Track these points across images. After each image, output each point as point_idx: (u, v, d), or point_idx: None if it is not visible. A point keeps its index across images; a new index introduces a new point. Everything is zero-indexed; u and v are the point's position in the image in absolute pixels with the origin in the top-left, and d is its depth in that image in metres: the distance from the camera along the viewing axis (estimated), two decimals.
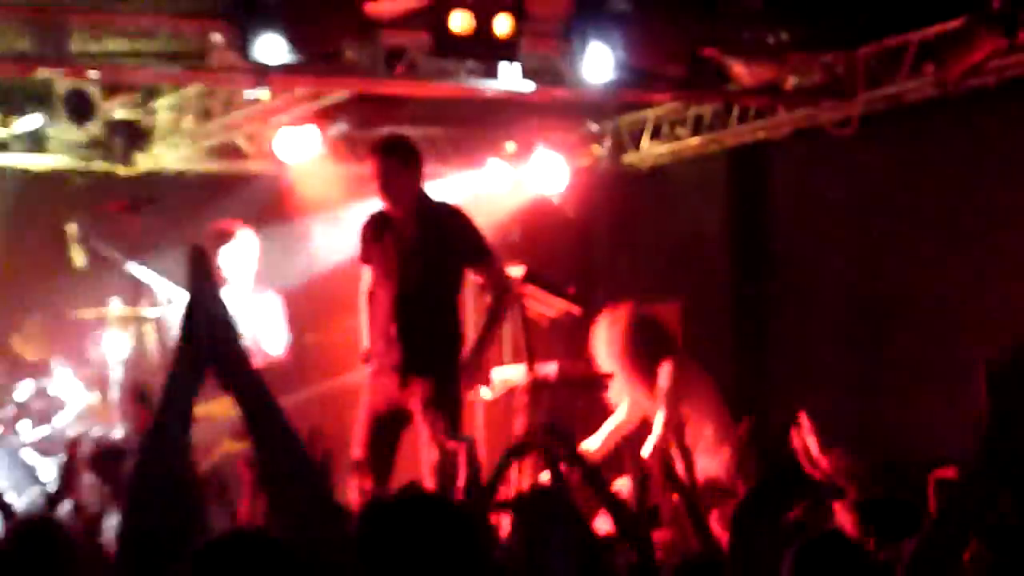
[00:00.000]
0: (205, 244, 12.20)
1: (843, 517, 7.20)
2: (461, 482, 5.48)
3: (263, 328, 12.18)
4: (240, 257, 12.24)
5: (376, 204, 10.97)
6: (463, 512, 4.47)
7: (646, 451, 10.74)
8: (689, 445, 11.19)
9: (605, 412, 11.75)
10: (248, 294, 12.29)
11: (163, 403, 4.22)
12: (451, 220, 10.86)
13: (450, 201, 11.39)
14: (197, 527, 4.59)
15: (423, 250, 10.66)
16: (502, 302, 11.10)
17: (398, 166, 10.78)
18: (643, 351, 11.65)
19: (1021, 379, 4.14)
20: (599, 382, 11.93)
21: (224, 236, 12.17)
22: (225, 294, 11.96)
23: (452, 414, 10.48)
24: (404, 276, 10.65)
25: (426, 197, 10.90)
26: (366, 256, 10.93)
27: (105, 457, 7.26)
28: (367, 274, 10.91)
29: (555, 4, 11.12)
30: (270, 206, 13.28)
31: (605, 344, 11.81)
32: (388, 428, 10.63)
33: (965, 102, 11.88)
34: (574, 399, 12.26)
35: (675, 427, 10.93)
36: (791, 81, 12.66)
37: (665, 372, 11.19)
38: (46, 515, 5.80)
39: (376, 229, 10.86)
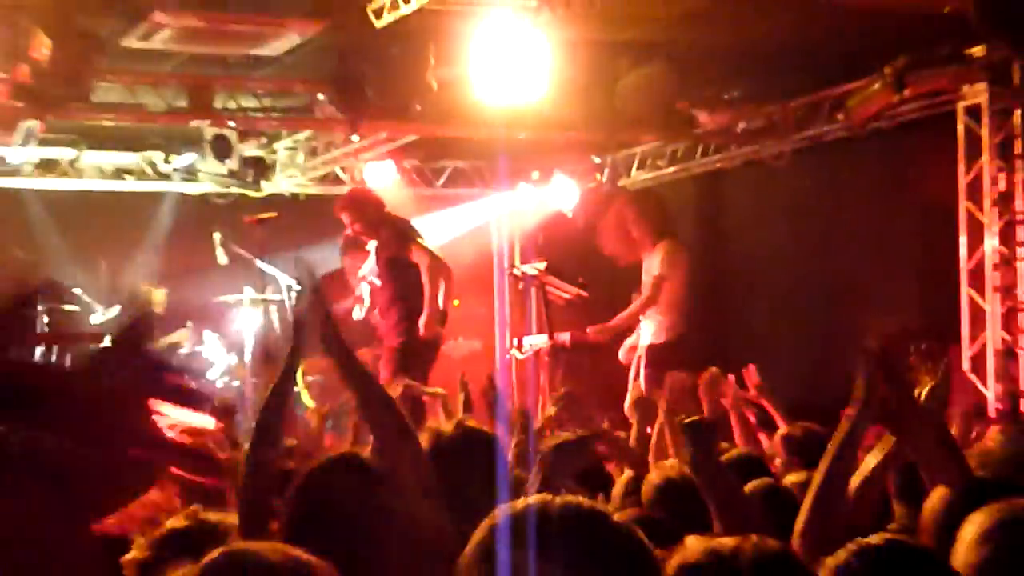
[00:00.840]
0: (341, 247, 12.33)
1: (775, 446, 7.09)
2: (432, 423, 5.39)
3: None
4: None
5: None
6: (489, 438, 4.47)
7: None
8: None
9: (605, 368, 11.76)
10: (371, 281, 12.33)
11: (286, 364, 4.20)
12: (388, 231, 11.19)
13: (394, 215, 11.66)
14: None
15: (379, 259, 11.11)
16: (432, 273, 11.07)
17: (354, 217, 11.35)
18: (642, 222, 11.75)
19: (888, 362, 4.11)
20: (599, 347, 11.97)
21: (354, 242, 12.20)
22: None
23: (408, 365, 10.63)
24: (377, 278, 11.19)
25: (381, 223, 11.25)
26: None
27: (221, 413, 7.24)
28: None
29: None
30: None
31: (611, 223, 11.97)
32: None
33: (867, 140, 11.84)
34: (582, 359, 12.25)
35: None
36: (741, 125, 12.67)
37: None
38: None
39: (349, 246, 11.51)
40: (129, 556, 3.55)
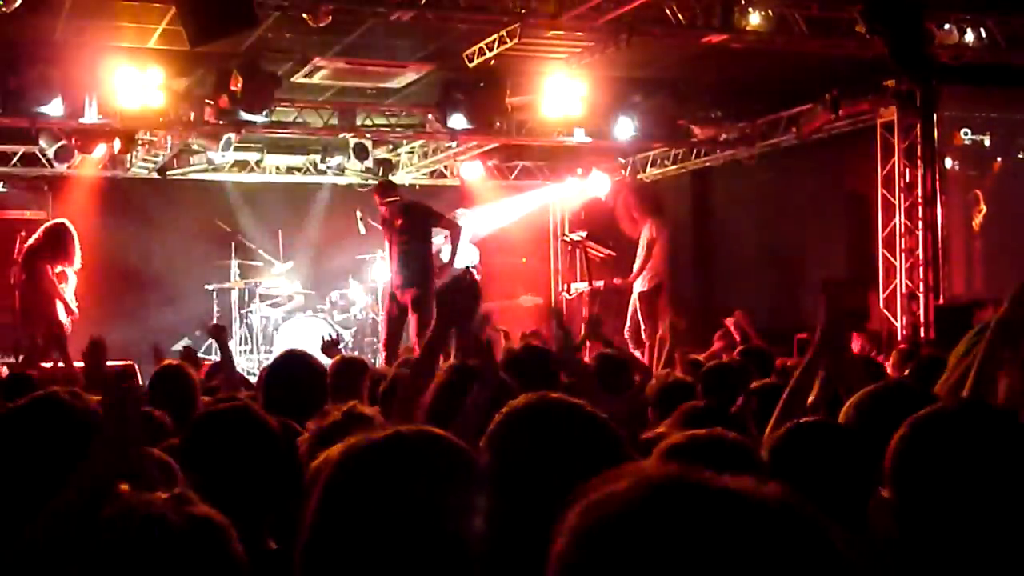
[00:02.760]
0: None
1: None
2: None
3: (472, 262, 12.14)
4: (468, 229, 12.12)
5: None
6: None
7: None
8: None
9: (624, 304, 11.75)
10: (469, 245, 12.26)
11: (439, 329, 3.69)
12: (413, 208, 10.59)
13: (411, 200, 11.10)
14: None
15: (404, 227, 10.39)
16: (453, 236, 10.69)
17: (384, 195, 10.56)
18: (637, 206, 11.72)
19: (840, 295, 4.08)
20: (621, 290, 11.97)
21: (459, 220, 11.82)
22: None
23: (429, 309, 9.71)
24: (399, 241, 10.44)
25: (403, 202, 10.58)
26: (387, 235, 10.73)
27: (328, 345, 6.98)
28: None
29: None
30: (458, 202, 13.35)
31: (621, 202, 11.92)
32: (396, 321, 10.37)
33: (812, 147, 11.78)
34: (611, 298, 12.27)
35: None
36: (723, 136, 12.55)
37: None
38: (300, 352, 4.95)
39: (385, 222, 10.64)
40: (302, 438, 3.20)
